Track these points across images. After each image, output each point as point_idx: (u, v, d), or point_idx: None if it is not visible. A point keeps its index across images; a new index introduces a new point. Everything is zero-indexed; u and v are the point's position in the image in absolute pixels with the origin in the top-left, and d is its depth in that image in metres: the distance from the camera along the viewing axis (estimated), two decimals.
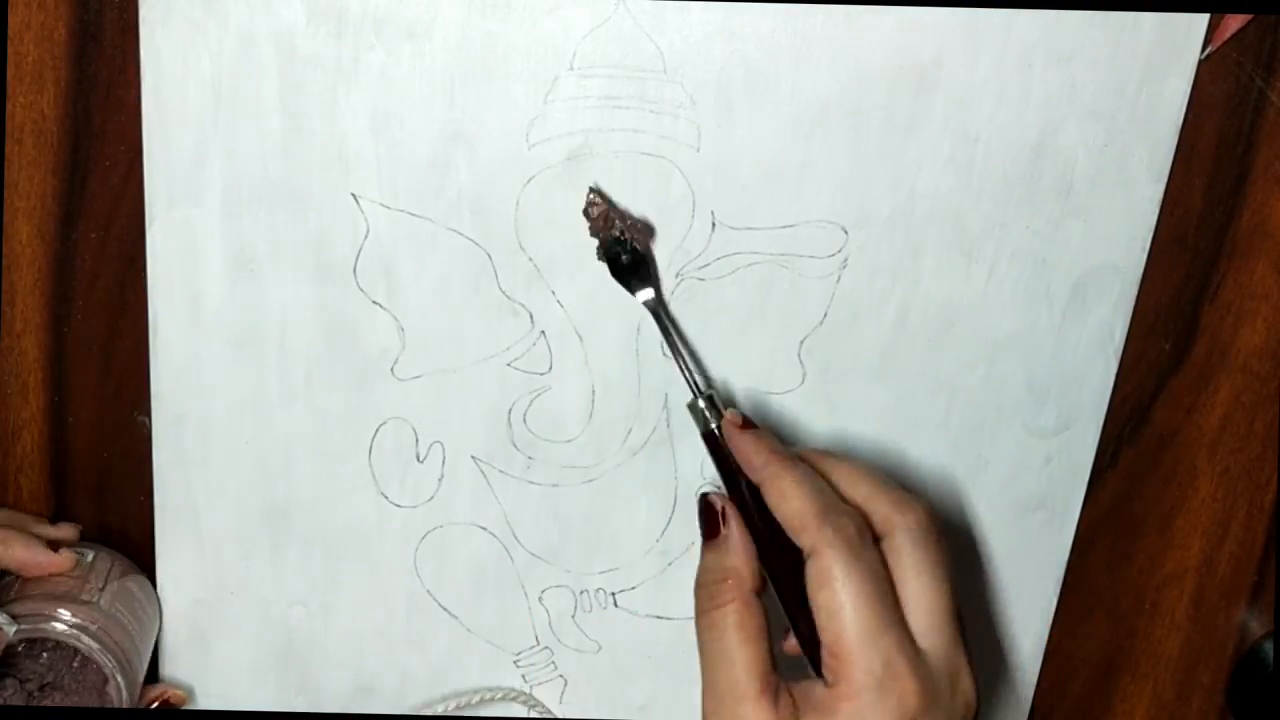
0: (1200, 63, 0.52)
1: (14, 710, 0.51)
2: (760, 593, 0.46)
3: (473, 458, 0.55)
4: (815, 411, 0.56)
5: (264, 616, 0.57)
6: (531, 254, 0.52)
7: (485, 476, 0.56)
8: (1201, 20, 0.51)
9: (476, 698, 0.59)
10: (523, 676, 0.59)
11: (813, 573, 0.44)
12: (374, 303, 0.52)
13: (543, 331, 0.53)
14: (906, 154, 0.52)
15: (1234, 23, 0.51)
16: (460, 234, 0.52)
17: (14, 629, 0.50)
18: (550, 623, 0.58)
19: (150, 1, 0.48)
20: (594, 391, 0.55)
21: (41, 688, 0.53)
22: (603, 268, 0.52)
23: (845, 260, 0.53)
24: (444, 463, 0.55)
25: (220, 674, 0.58)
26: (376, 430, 0.55)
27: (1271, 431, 0.59)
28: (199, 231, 0.51)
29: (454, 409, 0.54)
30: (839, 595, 0.44)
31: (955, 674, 0.45)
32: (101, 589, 0.53)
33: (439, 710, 0.59)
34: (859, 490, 0.47)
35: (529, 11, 0.49)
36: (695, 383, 0.50)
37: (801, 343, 0.55)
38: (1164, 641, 0.63)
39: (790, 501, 0.46)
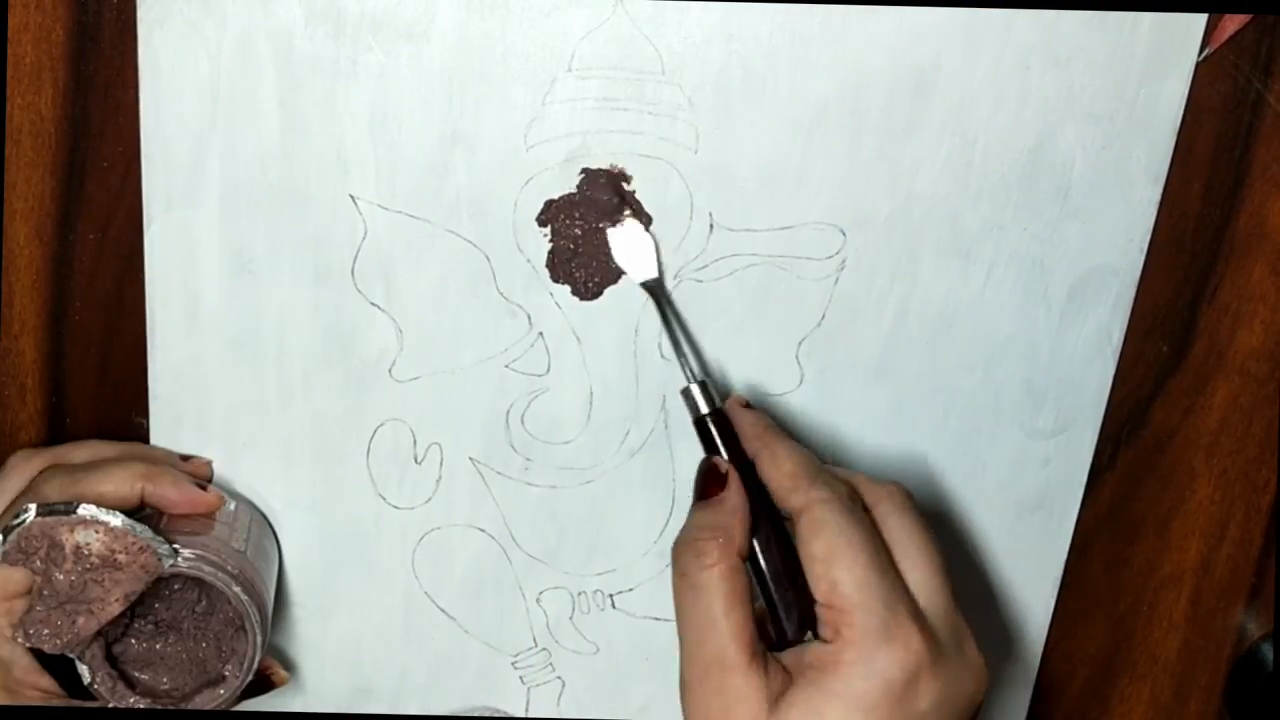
0: (1198, 65, 0.52)
1: (13, 710, 0.51)
2: (745, 560, 0.46)
3: (471, 459, 0.55)
4: (813, 413, 0.56)
5: None
6: (530, 255, 0.52)
7: (483, 478, 0.56)
8: (1199, 22, 0.51)
9: None
10: (520, 678, 0.59)
11: (805, 526, 0.44)
12: (372, 304, 0.52)
13: (541, 333, 0.53)
14: (904, 156, 0.52)
15: (1232, 25, 0.51)
16: (458, 235, 0.52)
17: (170, 561, 0.48)
18: (548, 624, 0.59)
19: (148, 2, 0.48)
20: (592, 393, 0.55)
21: (157, 624, 0.52)
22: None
23: (843, 262, 0.53)
24: (442, 464, 0.55)
25: None
26: (374, 432, 0.55)
27: (1269, 433, 0.59)
28: (197, 232, 0.51)
29: (452, 410, 0.54)
30: (834, 542, 0.43)
31: (959, 635, 0.44)
32: (246, 540, 0.52)
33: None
34: (837, 472, 0.48)
35: (527, 13, 0.49)
36: (692, 369, 0.51)
37: (799, 344, 0.55)
38: (1162, 643, 0.63)
39: (784, 464, 0.46)
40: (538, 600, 0.58)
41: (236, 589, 0.49)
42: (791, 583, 0.45)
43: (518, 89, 0.50)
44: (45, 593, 0.47)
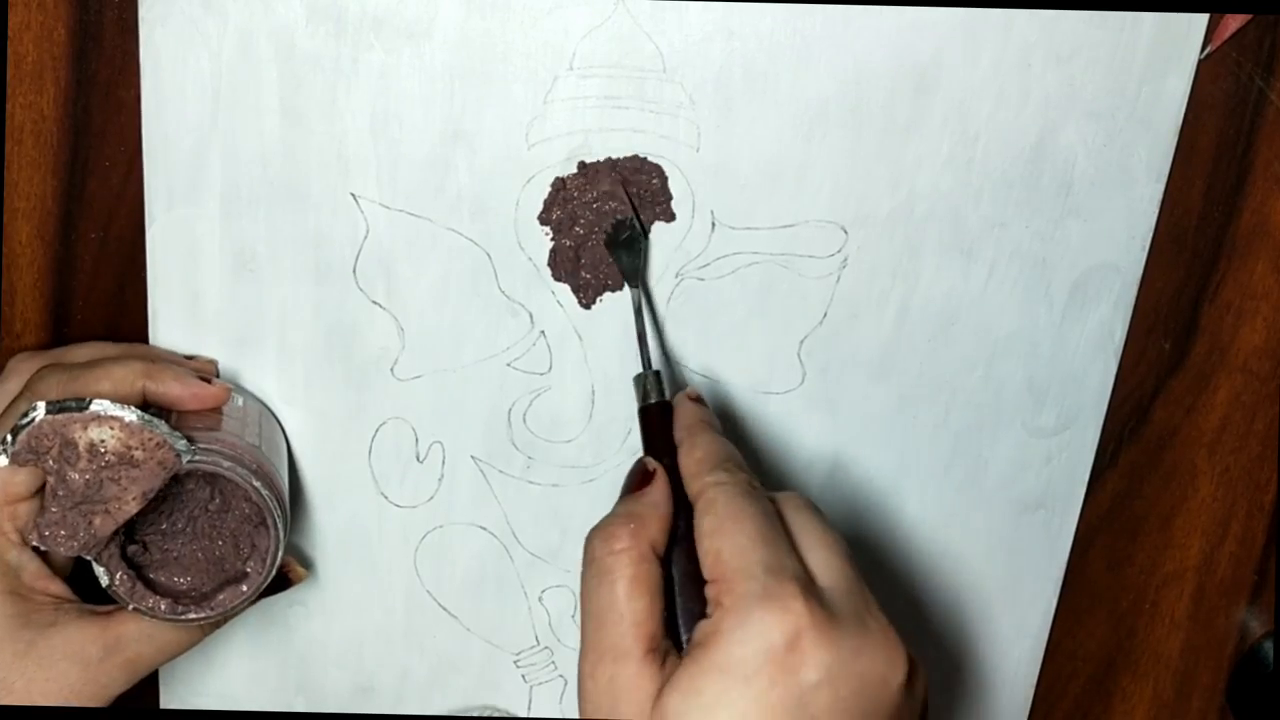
0: (1200, 62, 0.52)
1: (16, 710, 0.51)
2: (660, 557, 0.43)
3: (473, 458, 0.55)
4: (815, 411, 0.56)
5: (263, 616, 0.57)
6: (531, 254, 0.52)
7: (485, 476, 0.56)
8: (1201, 20, 0.51)
9: None
10: (522, 676, 0.59)
11: (699, 509, 0.43)
12: (374, 303, 0.52)
13: (542, 331, 0.53)
14: (906, 153, 0.52)
15: (1233, 23, 0.51)
16: (460, 234, 0.52)
17: (189, 457, 0.46)
18: (550, 623, 0.59)
19: (150, 1, 0.48)
20: (594, 391, 0.55)
21: (169, 525, 0.49)
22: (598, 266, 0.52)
23: (845, 260, 0.53)
24: (444, 463, 0.55)
25: (220, 673, 0.58)
26: (376, 430, 0.55)
27: (1271, 431, 0.59)
28: (198, 231, 0.51)
29: (454, 409, 0.54)
30: (721, 516, 0.42)
31: (860, 608, 0.41)
32: (259, 434, 0.50)
33: None
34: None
35: (528, 11, 0.49)
36: (649, 358, 0.50)
37: (801, 342, 0.55)
38: (1164, 641, 0.63)
39: (694, 453, 0.46)
40: (540, 599, 0.58)
41: (257, 483, 0.47)
42: (698, 589, 0.42)
43: (519, 87, 0.50)
44: (60, 493, 0.45)
